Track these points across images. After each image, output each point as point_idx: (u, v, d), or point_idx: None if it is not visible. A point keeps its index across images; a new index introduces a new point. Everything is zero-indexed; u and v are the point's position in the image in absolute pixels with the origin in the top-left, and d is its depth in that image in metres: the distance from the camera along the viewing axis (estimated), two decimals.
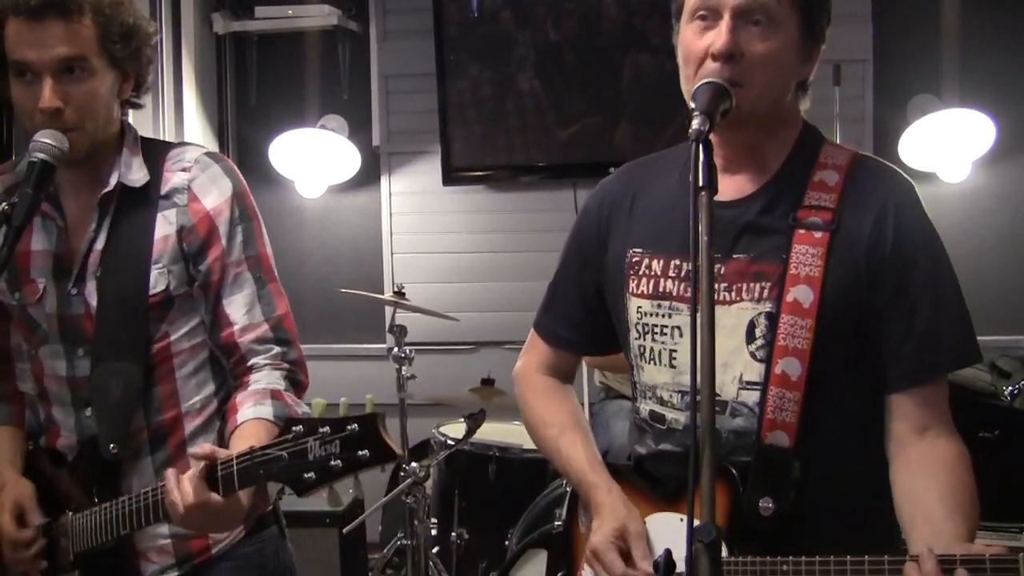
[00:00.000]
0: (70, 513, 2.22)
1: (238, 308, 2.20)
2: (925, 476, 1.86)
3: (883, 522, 1.96)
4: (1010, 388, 4.06)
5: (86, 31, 2.08)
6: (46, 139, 2.08)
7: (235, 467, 1.87)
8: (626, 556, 1.94)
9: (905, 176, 1.97)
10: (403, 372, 4.17)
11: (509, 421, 4.35)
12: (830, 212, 1.90)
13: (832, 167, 1.96)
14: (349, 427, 1.76)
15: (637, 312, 2.04)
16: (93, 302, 2.21)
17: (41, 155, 2.07)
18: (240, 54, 5.49)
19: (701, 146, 1.63)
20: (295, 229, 5.39)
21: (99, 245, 2.21)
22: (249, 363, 2.20)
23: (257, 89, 5.49)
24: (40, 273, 2.25)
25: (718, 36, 1.83)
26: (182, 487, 1.91)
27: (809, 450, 1.88)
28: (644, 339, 2.04)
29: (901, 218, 1.90)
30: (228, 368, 2.25)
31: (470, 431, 3.90)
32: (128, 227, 2.21)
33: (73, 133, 2.11)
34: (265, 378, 2.18)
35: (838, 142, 4.31)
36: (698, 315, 1.56)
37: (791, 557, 1.77)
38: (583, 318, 2.21)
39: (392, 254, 5.39)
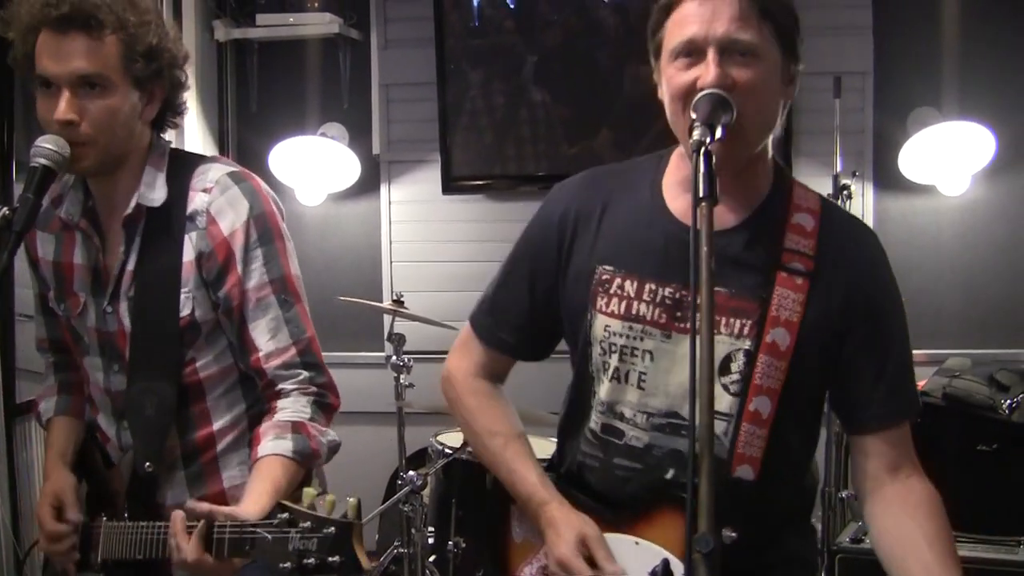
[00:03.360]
0: (104, 518, 2.24)
1: (262, 333, 2.20)
2: (909, 518, 1.94)
3: (809, 525, 2.17)
4: (1008, 401, 4.05)
5: (108, 48, 2.08)
6: (48, 144, 2.09)
7: (227, 535, 1.89)
8: (591, 562, 1.96)
9: (872, 232, 2.07)
10: (401, 380, 4.17)
11: None
12: (810, 260, 1.96)
13: (806, 210, 2.01)
14: (326, 530, 1.78)
15: (605, 330, 2.04)
16: (126, 321, 2.22)
17: (42, 160, 2.08)
18: (241, 61, 5.48)
19: (702, 156, 1.64)
20: (294, 236, 5.23)
21: (130, 266, 2.21)
22: (277, 388, 2.20)
23: (258, 96, 5.49)
24: (81, 287, 2.27)
25: (706, 70, 1.85)
26: (181, 543, 1.93)
27: (770, 480, 1.95)
28: (609, 357, 2.03)
29: (875, 276, 2.00)
30: (259, 391, 2.25)
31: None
32: (157, 249, 2.20)
33: (85, 147, 2.11)
34: (292, 405, 2.18)
35: (838, 154, 4.36)
36: (697, 329, 1.57)
37: None
38: (526, 324, 2.19)
39: (391, 262, 5.39)
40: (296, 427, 2.14)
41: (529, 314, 2.18)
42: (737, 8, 1.85)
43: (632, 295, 2.01)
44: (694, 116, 1.75)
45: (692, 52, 1.88)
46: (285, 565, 1.79)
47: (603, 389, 2.05)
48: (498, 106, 5.10)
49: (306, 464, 2.14)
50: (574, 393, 2.16)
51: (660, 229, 2.00)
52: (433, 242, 5.36)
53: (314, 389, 2.21)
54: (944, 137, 4.63)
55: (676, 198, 2.03)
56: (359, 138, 5.34)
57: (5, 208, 2.04)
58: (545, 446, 4.17)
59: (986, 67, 4.82)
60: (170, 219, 2.20)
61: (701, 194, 1.61)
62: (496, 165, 5.18)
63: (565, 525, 1.99)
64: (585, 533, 1.97)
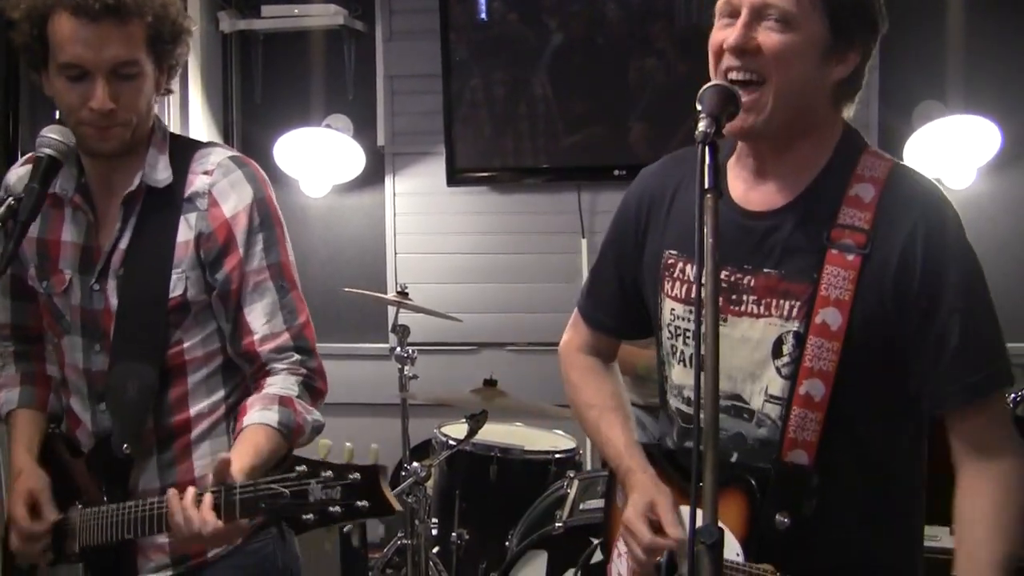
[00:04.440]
0: (80, 506, 2.24)
1: (258, 317, 2.20)
2: (974, 496, 1.89)
3: (903, 529, 2.02)
4: (1012, 395, 4.05)
5: (138, 32, 2.09)
6: (53, 135, 2.09)
7: (238, 496, 1.89)
8: (656, 528, 1.97)
9: (939, 195, 1.93)
10: (405, 372, 4.17)
11: (511, 422, 4.36)
12: (864, 234, 1.87)
13: (869, 180, 1.92)
14: (351, 476, 1.79)
15: (670, 314, 2.06)
16: (113, 300, 2.21)
17: (48, 151, 2.08)
18: (246, 53, 5.49)
19: (707, 148, 1.64)
20: (299, 228, 5.38)
21: (123, 244, 2.21)
22: (267, 369, 2.21)
23: (262, 88, 5.49)
24: (68, 264, 2.26)
25: (733, 30, 1.85)
26: (189, 511, 1.93)
27: (827, 467, 1.89)
28: (676, 341, 2.06)
29: (929, 246, 1.85)
30: (248, 375, 2.25)
31: (472, 432, 3.90)
32: (152, 228, 2.21)
33: (117, 130, 2.13)
34: (280, 383, 2.19)
35: None
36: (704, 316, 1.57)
37: None
38: (620, 306, 2.23)
39: (396, 254, 5.39)
40: (283, 401, 2.15)
41: (621, 299, 2.22)
42: None
43: (692, 279, 2.02)
44: (700, 108, 1.74)
45: (732, 13, 1.87)
46: (308, 517, 1.79)
47: (674, 373, 2.08)
48: (502, 98, 5.10)
49: (290, 439, 2.14)
50: (659, 377, 2.19)
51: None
52: (437, 234, 5.36)
53: (304, 371, 2.22)
54: (949, 131, 4.64)
55: (734, 179, 2.01)
56: (364, 130, 5.34)
57: (11, 198, 2.05)
58: (551, 440, 4.21)
59: (991, 61, 4.82)
60: (168, 200, 2.21)
61: (706, 186, 1.61)
62: (500, 157, 5.18)
63: (639, 491, 2.03)
64: (656, 500, 1.99)
